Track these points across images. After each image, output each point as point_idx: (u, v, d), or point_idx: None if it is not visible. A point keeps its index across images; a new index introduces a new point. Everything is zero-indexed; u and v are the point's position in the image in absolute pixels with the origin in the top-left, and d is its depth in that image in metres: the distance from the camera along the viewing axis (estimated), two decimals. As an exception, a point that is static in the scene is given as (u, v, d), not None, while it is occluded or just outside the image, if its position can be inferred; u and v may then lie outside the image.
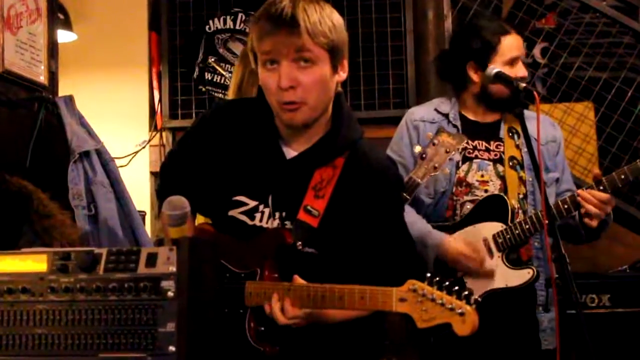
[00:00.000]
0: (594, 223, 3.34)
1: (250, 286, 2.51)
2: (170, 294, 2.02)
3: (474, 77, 3.55)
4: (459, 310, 2.19)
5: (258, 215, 2.58)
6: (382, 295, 2.29)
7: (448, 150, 3.22)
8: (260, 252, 2.54)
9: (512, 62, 3.50)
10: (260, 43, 2.42)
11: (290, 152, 2.57)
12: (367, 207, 2.54)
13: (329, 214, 2.52)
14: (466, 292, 2.22)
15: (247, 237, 2.58)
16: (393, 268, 2.55)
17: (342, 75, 2.51)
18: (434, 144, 3.25)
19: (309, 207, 2.51)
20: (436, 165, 3.23)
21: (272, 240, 2.55)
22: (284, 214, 2.56)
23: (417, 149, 3.32)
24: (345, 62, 2.50)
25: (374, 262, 2.55)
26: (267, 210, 2.58)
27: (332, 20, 2.42)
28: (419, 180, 3.25)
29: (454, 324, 2.20)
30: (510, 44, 3.53)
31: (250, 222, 2.58)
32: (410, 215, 3.34)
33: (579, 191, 3.37)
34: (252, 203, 2.58)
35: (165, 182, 2.79)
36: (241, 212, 2.59)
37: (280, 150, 2.56)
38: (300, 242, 2.50)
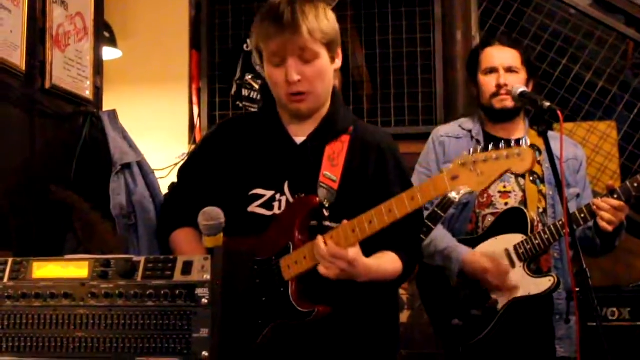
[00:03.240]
0: (610, 228, 3.33)
1: (286, 260, 2.54)
2: (204, 301, 2.04)
3: (473, 90, 3.63)
4: (516, 152, 2.30)
5: (276, 205, 2.63)
6: (432, 184, 2.41)
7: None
8: (286, 226, 2.57)
9: (490, 71, 3.56)
10: (267, 44, 2.60)
11: (298, 139, 2.69)
12: (375, 174, 2.65)
13: (345, 180, 2.61)
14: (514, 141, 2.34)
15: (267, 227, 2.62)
16: (406, 226, 2.59)
17: (338, 62, 2.70)
18: None
19: (327, 174, 2.61)
20: None
21: (297, 209, 2.58)
22: (303, 195, 2.61)
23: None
24: (339, 50, 2.69)
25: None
26: (283, 198, 2.63)
27: (326, 17, 2.63)
28: (454, 199, 3.25)
29: (514, 167, 2.31)
30: (490, 54, 3.60)
31: (268, 213, 2.63)
32: (438, 229, 3.36)
33: (594, 200, 3.38)
34: (269, 193, 2.64)
35: (181, 187, 2.85)
36: (259, 206, 2.64)
37: (289, 137, 2.68)
38: (327, 200, 2.57)
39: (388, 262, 2.60)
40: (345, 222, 2.46)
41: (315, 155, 2.64)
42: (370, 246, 2.54)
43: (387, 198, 2.50)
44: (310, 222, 2.58)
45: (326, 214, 2.58)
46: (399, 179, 2.68)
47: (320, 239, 2.44)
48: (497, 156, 2.33)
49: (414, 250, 2.71)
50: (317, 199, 2.56)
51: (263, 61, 2.68)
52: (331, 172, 2.61)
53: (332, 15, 2.66)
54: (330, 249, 2.41)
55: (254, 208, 2.64)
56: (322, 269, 2.44)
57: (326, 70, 2.64)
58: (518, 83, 3.47)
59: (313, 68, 2.59)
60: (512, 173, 2.40)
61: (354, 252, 2.43)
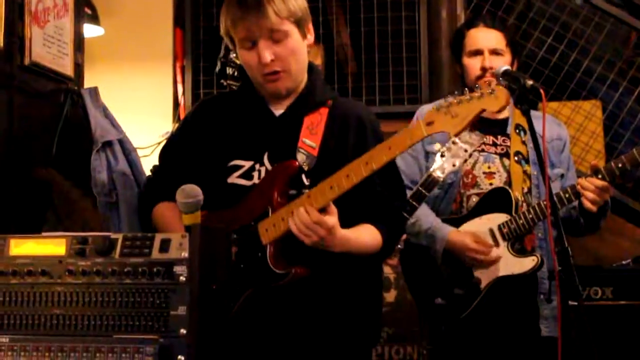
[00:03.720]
0: (594, 208, 3.34)
1: (264, 224, 2.53)
2: (182, 278, 2.03)
3: (458, 69, 3.62)
4: (489, 91, 2.32)
5: (255, 174, 2.64)
6: (408, 133, 2.41)
7: (467, 149, 3.20)
8: (266, 192, 2.56)
9: (475, 54, 3.56)
10: (235, 30, 2.59)
11: (277, 111, 2.69)
12: (355, 143, 2.64)
13: (325, 146, 2.62)
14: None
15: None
16: (386, 199, 2.65)
17: (310, 38, 2.69)
18: (453, 143, 3.22)
19: (306, 141, 2.61)
20: (455, 163, 3.21)
21: (276, 174, 2.58)
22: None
23: (437, 146, 3.31)
24: (310, 26, 2.68)
25: (368, 196, 2.59)
26: (263, 169, 2.63)
27: None
28: (438, 177, 3.24)
29: (488, 105, 2.32)
30: (475, 36, 3.59)
31: (248, 183, 2.63)
32: (422, 208, 3.35)
33: (579, 180, 3.38)
34: (248, 164, 2.65)
35: (164, 165, 2.84)
36: (239, 176, 2.65)
37: (268, 110, 2.69)
38: (306, 164, 2.57)
39: (367, 235, 2.60)
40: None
41: (294, 126, 2.65)
42: (349, 219, 2.54)
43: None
44: (289, 186, 2.57)
45: (306, 182, 2.59)
46: None
47: (301, 206, 2.43)
48: (471, 97, 2.35)
49: (394, 224, 2.71)
50: (296, 163, 2.56)
51: (235, 46, 2.67)
52: (310, 139, 2.62)
53: None
54: (312, 216, 2.40)
55: (233, 179, 2.65)
56: (299, 235, 2.43)
57: (298, 47, 2.63)
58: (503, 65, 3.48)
59: (285, 47, 2.59)
60: (485, 111, 2.40)
61: (333, 220, 2.43)
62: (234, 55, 5.31)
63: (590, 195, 3.32)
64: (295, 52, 2.61)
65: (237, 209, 2.60)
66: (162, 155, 2.87)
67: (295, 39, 2.61)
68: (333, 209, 2.45)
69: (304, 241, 2.43)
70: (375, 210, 2.61)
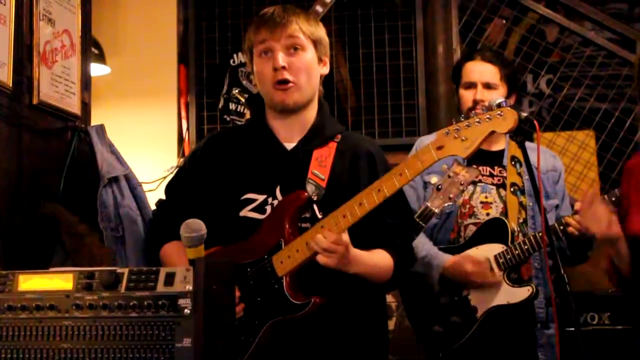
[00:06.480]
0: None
1: (279, 256, 2.54)
2: (186, 311, 2.03)
3: (457, 100, 3.64)
4: (498, 113, 2.31)
5: (268, 208, 2.64)
6: (419, 158, 2.41)
7: (462, 182, 3.21)
8: (277, 224, 2.57)
9: (469, 86, 3.56)
10: (256, 35, 2.65)
11: (288, 145, 2.70)
12: (366, 175, 2.66)
13: (332, 179, 2.63)
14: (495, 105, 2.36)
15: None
16: (396, 227, 2.68)
17: (324, 70, 2.74)
18: (449, 177, 3.22)
19: (315, 172, 2.62)
20: (451, 196, 3.21)
21: (286, 206, 2.58)
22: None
23: (434, 179, 3.31)
24: (327, 60, 2.72)
25: (379, 227, 2.63)
26: (275, 202, 2.63)
27: (316, 23, 2.73)
28: (435, 210, 3.24)
29: (497, 127, 2.31)
30: (470, 69, 3.60)
31: (261, 217, 2.63)
32: (419, 237, 3.35)
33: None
34: (261, 197, 2.64)
35: (171, 202, 2.85)
36: (251, 210, 2.64)
37: (280, 143, 2.69)
38: (315, 194, 2.58)
39: (379, 256, 2.62)
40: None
41: (305, 159, 2.66)
42: (361, 247, 2.56)
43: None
44: (300, 217, 2.59)
45: (319, 215, 2.60)
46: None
47: (317, 232, 2.46)
48: (480, 120, 2.35)
49: (406, 251, 2.72)
50: (305, 193, 2.57)
51: (252, 64, 2.71)
52: (319, 171, 2.63)
53: (322, 25, 2.74)
54: (329, 237, 2.42)
55: (246, 212, 2.65)
56: (322, 258, 2.44)
57: (312, 65, 2.68)
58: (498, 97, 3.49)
59: (299, 59, 2.64)
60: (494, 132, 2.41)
61: (347, 237, 2.46)
62: (237, 91, 5.36)
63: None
64: (308, 67, 2.66)
65: (249, 242, 2.60)
66: (168, 191, 2.87)
67: (311, 56, 2.67)
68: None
69: (328, 263, 2.44)
70: (387, 239, 2.64)
